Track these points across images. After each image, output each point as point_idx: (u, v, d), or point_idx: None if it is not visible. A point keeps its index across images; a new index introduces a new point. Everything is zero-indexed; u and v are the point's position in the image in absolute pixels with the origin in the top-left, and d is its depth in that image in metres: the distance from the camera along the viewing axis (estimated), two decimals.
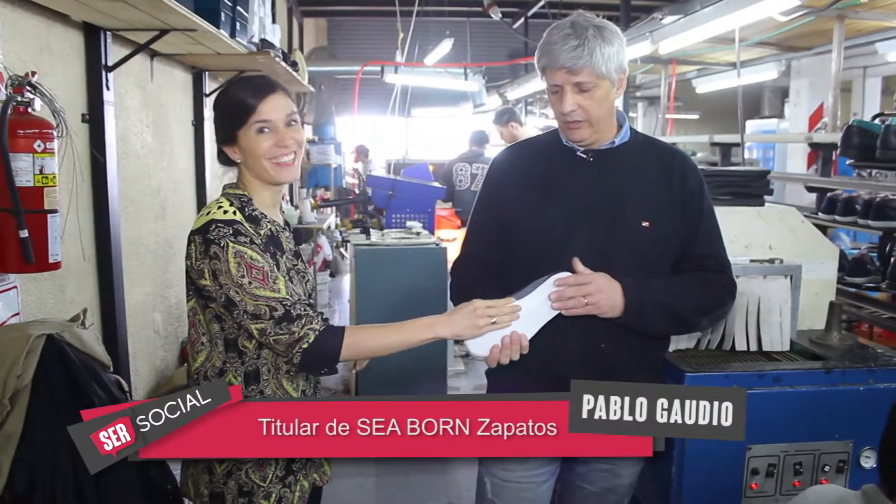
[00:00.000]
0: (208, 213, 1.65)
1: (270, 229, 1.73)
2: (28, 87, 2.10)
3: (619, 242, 1.81)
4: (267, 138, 1.67)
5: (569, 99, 1.76)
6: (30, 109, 2.07)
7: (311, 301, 1.66)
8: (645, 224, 1.81)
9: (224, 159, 1.78)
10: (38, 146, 2.03)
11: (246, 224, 1.64)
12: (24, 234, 2.00)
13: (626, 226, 1.81)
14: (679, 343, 2.21)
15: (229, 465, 1.73)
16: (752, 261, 2.27)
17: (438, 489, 3.65)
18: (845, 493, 1.31)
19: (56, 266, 2.14)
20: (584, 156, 1.86)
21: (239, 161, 1.73)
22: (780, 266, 2.25)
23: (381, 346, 1.65)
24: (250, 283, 1.58)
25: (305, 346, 1.58)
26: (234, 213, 1.65)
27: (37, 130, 2.03)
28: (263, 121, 1.66)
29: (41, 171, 2.04)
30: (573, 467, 1.96)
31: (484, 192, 2.01)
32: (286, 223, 1.87)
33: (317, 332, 1.58)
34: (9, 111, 1.99)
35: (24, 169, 2.00)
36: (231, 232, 1.60)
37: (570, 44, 1.72)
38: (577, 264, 1.72)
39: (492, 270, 1.90)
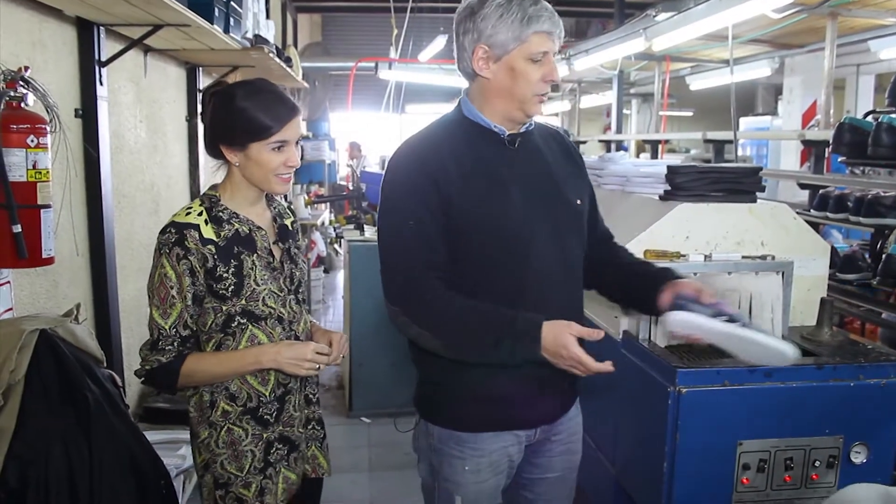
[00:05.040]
0: (174, 215, 1.75)
1: (238, 229, 1.77)
2: (21, 82, 2.09)
3: (568, 224, 1.80)
4: (280, 156, 1.75)
5: (557, 66, 1.71)
6: (23, 104, 2.07)
7: (185, 335, 1.74)
8: (579, 202, 1.82)
9: (215, 153, 1.81)
10: (32, 141, 2.02)
11: (206, 226, 1.72)
12: (18, 229, 2.00)
13: (568, 206, 1.80)
14: (671, 339, 2.22)
15: (206, 457, 1.77)
16: (743, 257, 2.28)
17: None
18: (872, 491, 1.27)
19: (49, 261, 2.14)
20: (508, 140, 1.76)
21: (236, 164, 1.77)
22: (772, 262, 2.26)
23: (215, 375, 1.76)
24: (153, 298, 1.73)
25: (149, 367, 1.73)
26: (200, 213, 1.74)
27: (30, 125, 2.02)
28: (283, 141, 1.74)
29: (34, 167, 2.03)
30: (532, 461, 1.88)
31: (406, 189, 1.71)
32: (275, 219, 1.88)
33: (161, 363, 1.72)
34: (1, 106, 1.98)
35: (17, 164, 2.00)
36: (175, 240, 1.69)
37: (552, 11, 1.66)
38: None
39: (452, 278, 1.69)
